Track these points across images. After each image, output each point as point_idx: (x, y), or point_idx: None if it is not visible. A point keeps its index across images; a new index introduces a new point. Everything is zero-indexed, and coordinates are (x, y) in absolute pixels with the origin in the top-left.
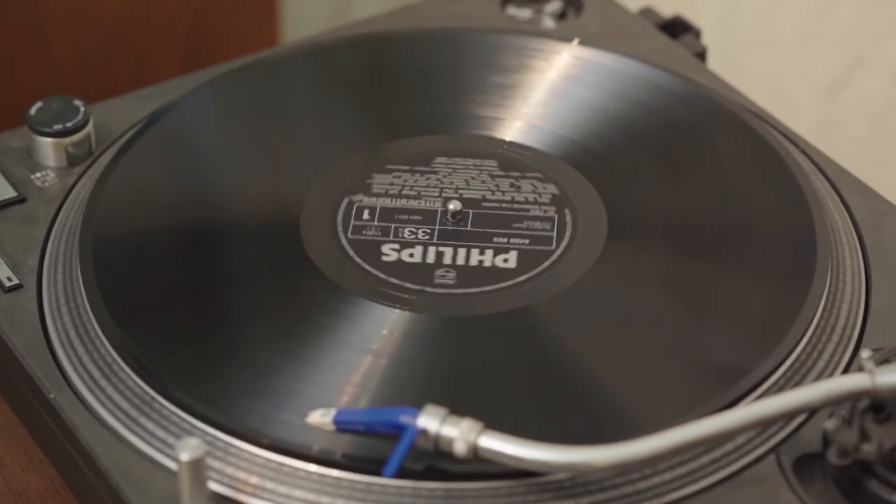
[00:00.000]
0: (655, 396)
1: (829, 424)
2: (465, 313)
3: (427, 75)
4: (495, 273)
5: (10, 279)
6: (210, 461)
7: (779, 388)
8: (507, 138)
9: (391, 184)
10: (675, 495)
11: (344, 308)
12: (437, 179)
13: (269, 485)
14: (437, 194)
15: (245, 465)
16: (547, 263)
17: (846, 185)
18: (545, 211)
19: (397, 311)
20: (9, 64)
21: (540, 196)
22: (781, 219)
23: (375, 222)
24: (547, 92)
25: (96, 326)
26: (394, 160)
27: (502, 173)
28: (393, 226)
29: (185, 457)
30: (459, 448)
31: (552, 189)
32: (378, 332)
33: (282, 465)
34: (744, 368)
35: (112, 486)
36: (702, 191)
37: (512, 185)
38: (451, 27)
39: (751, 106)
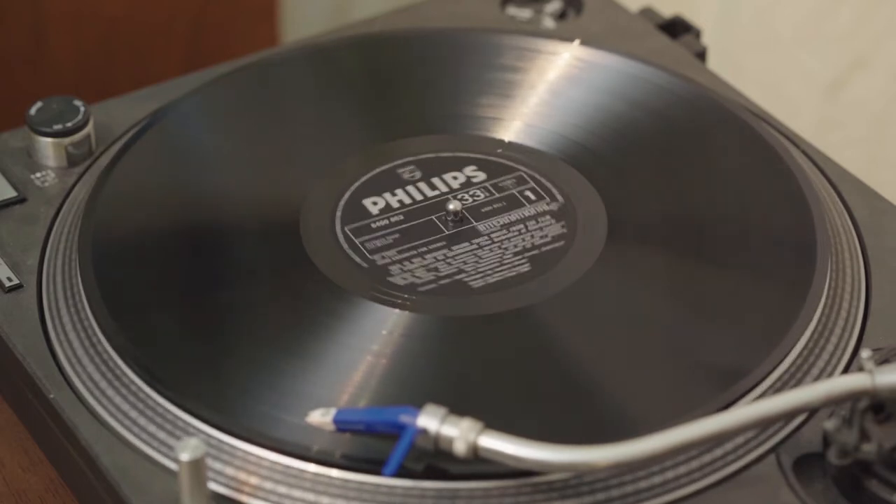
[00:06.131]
0: (655, 396)
1: (829, 424)
2: (465, 313)
3: (427, 75)
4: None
5: (10, 279)
6: (210, 461)
7: (778, 388)
8: (507, 138)
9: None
10: (674, 495)
11: (344, 308)
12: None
13: (269, 485)
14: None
15: (245, 466)
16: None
17: (846, 185)
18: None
19: (397, 311)
20: (9, 64)
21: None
22: (781, 219)
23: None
24: (547, 92)
25: (96, 326)
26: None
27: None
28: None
29: (185, 457)
30: (459, 448)
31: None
32: (378, 332)
33: (282, 465)
34: (744, 368)
35: (112, 487)
36: (702, 191)
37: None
38: (451, 27)
39: (751, 106)
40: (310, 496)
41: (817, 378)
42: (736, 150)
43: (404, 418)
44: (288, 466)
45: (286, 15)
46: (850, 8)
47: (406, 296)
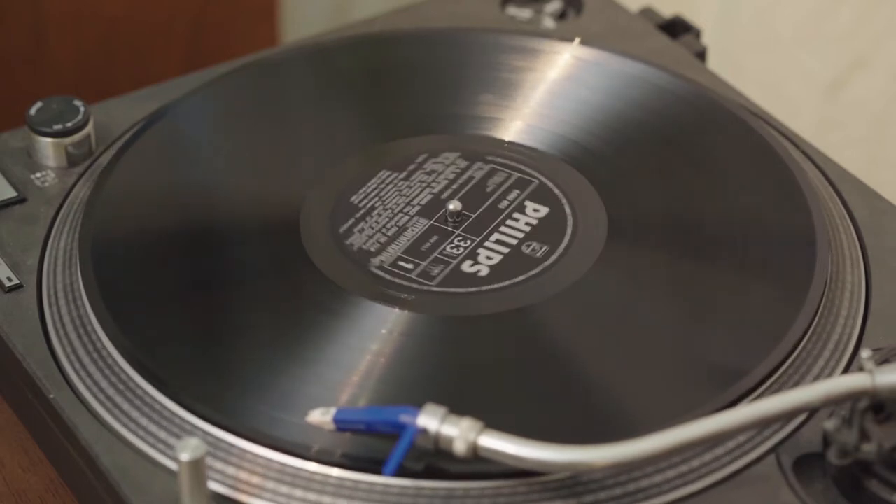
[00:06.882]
0: (655, 396)
1: (829, 424)
2: (464, 313)
3: (427, 75)
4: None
5: (10, 279)
6: (210, 461)
7: (778, 388)
8: (507, 138)
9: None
10: (674, 495)
11: (344, 308)
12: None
13: (269, 484)
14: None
15: (245, 465)
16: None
17: (846, 185)
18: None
19: (397, 310)
20: (9, 64)
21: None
22: (781, 219)
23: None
24: (547, 92)
25: (96, 326)
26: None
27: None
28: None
29: (185, 457)
30: (459, 447)
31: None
32: (378, 331)
33: (282, 464)
34: (743, 368)
35: (112, 487)
36: (701, 191)
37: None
38: (451, 27)
39: (751, 106)
40: (310, 495)
41: (817, 378)
42: (736, 150)
43: (404, 418)
44: (288, 466)
45: (286, 15)
46: (850, 8)
47: (406, 295)
